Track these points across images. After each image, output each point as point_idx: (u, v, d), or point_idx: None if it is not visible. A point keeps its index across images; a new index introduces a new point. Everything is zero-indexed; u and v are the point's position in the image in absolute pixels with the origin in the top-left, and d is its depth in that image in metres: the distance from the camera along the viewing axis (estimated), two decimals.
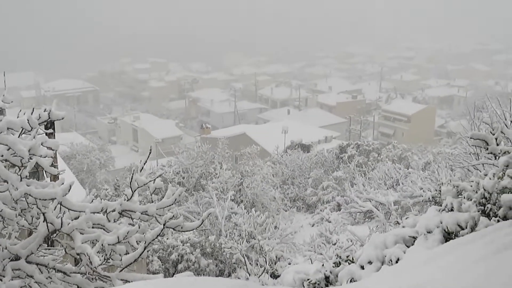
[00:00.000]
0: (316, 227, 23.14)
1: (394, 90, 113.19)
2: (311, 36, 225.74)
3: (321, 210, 27.88)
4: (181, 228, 6.37)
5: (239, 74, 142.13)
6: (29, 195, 5.31)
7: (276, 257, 15.37)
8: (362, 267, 4.82)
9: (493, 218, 4.98)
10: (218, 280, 2.71)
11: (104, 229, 6.15)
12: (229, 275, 16.09)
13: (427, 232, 4.66)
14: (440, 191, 6.09)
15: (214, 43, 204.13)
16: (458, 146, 24.21)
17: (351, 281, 4.75)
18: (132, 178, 6.33)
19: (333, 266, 5.51)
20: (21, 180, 5.33)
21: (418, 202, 17.52)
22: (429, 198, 11.45)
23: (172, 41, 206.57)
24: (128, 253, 6.18)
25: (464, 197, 5.54)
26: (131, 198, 6.28)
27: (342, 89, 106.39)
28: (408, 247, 4.78)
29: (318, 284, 5.27)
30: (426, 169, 25.75)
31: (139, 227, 6.23)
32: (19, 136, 5.85)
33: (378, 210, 19.33)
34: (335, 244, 16.15)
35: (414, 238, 4.86)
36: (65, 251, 6.41)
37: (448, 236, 4.54)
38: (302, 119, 70.77)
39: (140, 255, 6.11)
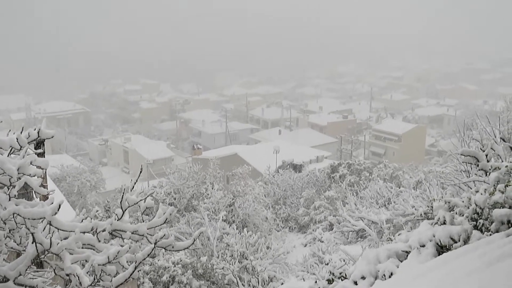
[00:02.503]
0: (309, 247, 23.04)
1: (385, 109, 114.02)
2: (301, 57, 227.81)
3: (313, 230, 27.78)
4: (172, 247, 6.30)
5: (230, 95, 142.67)
6: (18, 214, 5.24)
7: (268, 277, 15.24)
8: (356, 283, 4.77)
9: (485, 233, 4.97)
10: None
11: (94, 249, 6.07)
12: None
13: (420, 246, 4.63)
14: (432, 207, 6.08)
15: (204, 64, 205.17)
16: (448, 164, 24.33)
17: None
18: (122, 198, 6.28)
19: (327, 283, 5.46)
20: (9, 200, 5.26)
21: (410, 220, 17.50)
22: (421, 215, 11.43)
23: (163, 62, 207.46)
24: (119, 274, 6.10)
25: (456, 213, 5.53)
26: (121, 217, 6.22)
27: (333, 109, 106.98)
28: (401, 261, 4.75)
29: None
30: (417, 187, 25.81)
31: (129, 247, 6.16)
32: (8, 155, 5.79)
33: (371, 229, 19.29)
34: (328, 264, 16.04)
35: (407, 252, 4.83)
36: (55, 272, 6.30)
37: (441, 249, 4.51)
38: (293, 139, 70.91)
39: (131, 275, 6.03)
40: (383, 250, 4.89)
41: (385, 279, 4.52)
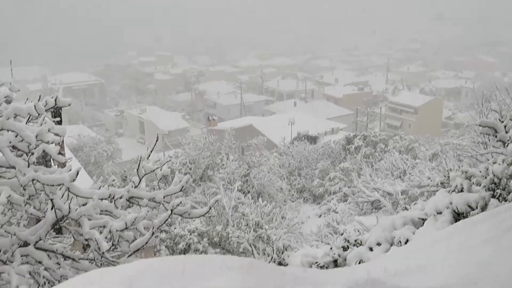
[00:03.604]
0: (323, 218, 23.15)
1: (401, 81, 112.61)
2: (317, 30, 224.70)
3: (328, 201, 27.88)
4: (188, 214, 6.36)
5: (245, 67, 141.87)
6: (37, 181, 5.31)
7: (283, 246, 15.37)
8: (371, 249, 4.79)
9: (502, 202, 4.94)
10: (226, 257, 2.70)
11: (111, 216, 6.16)
12: None
13: (437, 213, 4.62)
14: (449, 177, 6.04)
15: (219, 36, 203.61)
16: (465, 136, 24.09)
17: (359, 262, 4.73)
18: (139, 165, 6.32)
19: (342, 250, 5.49)
20: (28, 166, 5.33)
21: (426, 191, 17.45)
22: (437, 184, 11.33)
23: (177, 34, 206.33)
24: (136, 239, 6.19)
25: (473, 183, 5.49)
26: (138, 185, 6.27)
27: (349, 81, 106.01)
28: (417, 228, 4.75)
29: (326, 267, 5.26)
30: (433, 159, 25.67)
31: (146, 214, 6.24)
32: (26, 123, 5.85)
33: (386, 200, 19.29)
34: (342, 234, 16.10)
35: (423, 220, 4.83)
36: (74, 238, 6.41)
37: (457, 216, 4.50)
38: (309, 111, 70.57)
39: (148, 241, 6.12)
40: (399, 217, 4.90)
41: (401, 245, 4.53)
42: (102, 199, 6.00)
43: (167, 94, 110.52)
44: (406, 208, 8.73)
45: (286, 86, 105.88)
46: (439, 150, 27.58)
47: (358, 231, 16.02)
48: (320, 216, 25.92)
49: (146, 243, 6.11)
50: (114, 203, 6.17)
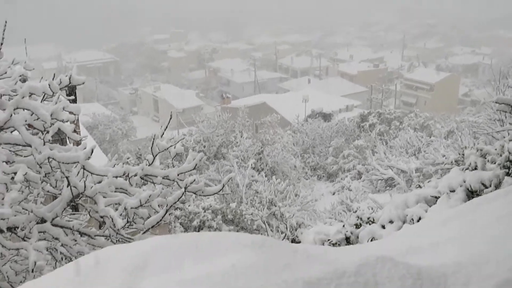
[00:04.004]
0: (337, 195, 23.19)
1: (417, 58, 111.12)
2: (331, 4, 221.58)
3: (341, 179, 27.89)
4: (202, 192, 6.40)
5: (259, 44, 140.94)
6: (53, 159, 5.37)
7: (296, 223, 15.47)
8: (383, 227, 4.81)
9: None
10: (239, 235, 2.73)
11: (126, 193, 6.22)
12: None
13: (450, 191, 4.61)
14: (463, 155, 6.00)
15: (232, 12, 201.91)
16: (482, 113, 23.81)
17: (372, 240, 4.75)
18: (153, 144, 6.36)
19: (355, 228, 5.51)
20: (44, 144, 5.39)
21: (440, 168, 17.36)
22: (451, 162, 11.28)
23: (191, 10, 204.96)
24: (150, 217, 6.27)
25: (488, 161, 5.45)
26: (152, 163, 6.32)
27: (364, 58, 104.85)
28: (430, 206, 4.75)
29: (339, 245, 5.29)
30: (449, 137, 25.44)
31: (160, 192, 6.29)
32: (41, 102, 5.90)
33: (400, 178, 19.23)
34: (355, 211, 16.13)
35: (436, 198, 4.81)
36: (89, 215, 6.51)
37: (471, 194, 4.48)
38: (323, 88, 70.14)
39: (162, 218, 6.19)
40: (412, 195, 4.89)
41: (413, 223, 4.53)
42: (116, 177, 6.06)
43: (181, 72, 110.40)
44: (419, 186, 8.70)
45: (300, 63, 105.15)
46: (454, 127, 27.32)
47: (372, 208, 16.05)
48: (333, 194, 25.97)
49: (161, 220, 6.19)
50: (129, 181, 6.24)
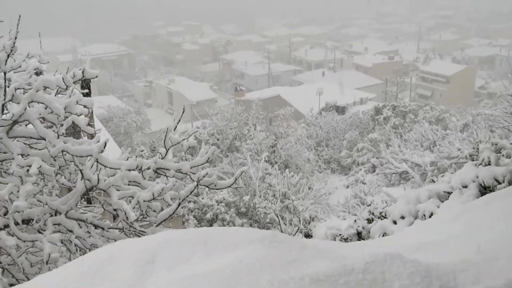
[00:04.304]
0: (351, 189, 23.11)
1: (433, 50, 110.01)
2: None
3: (355, 172, 27.79)
4: (215, 185, 6.42)
5: (272, 36, 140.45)
6: (67, 152, 5.43)
7: (310, 217, 15.47)
8: (395, 222, 4.78)
9: None
10: (248, 230, 2.74)
11: (139, 186, 6.26)
12: None
13: (462, 187, 4.57)
14: (478, 149, 5.94)
15: (246, 4, 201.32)
16: (498, 106, 23.54)
17: (383, 235, 4.73)
18: (166, 137, 6.39)
19: (367, 222, 5.50)
20: (58, 138, 5.44)
21: (455, 163, 17.22)
22: (466, 157, 11.17)
23: (204, 2, 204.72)
24: (163, 210, 6.31)
25: (503, 155, 5.39)
26: (165, 156, 6.35)
27: (378, 50, 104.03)
28: (442, 202, 4.71)
29: (350, 240, 5.28)
30: (464, 130, 25.22)
31: (173, 185, 6.32)
32: (55, 95, 5.95)
33: (414, 171, 19.11)
34: (369, 205, 16.07)
35: (449, 193, 4.78)
36: (103, 208, 6.58)
37: (484, 190, 4.44)
38: (337, 81, 69.77)
39: (175, 211, 6.23)
40: (424, 191, 4.86)
41: (425, 219, 4.51)
42: (130, 170, 6.11)
43: (195, 65, 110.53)
44: (433, 181, 8.64)
45: (315, 55, 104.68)
46: (470, 120, 27.07)
47: (386, 202, 15.99)
48: (347, 187, 25.89)
49: (173, 213, 6.23)
50: (142, 174, 6.27)
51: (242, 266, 2.19)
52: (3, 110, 5.33)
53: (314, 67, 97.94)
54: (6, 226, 5.71)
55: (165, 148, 6.30)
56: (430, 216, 4.50)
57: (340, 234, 5.52)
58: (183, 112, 7.05)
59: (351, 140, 31.86)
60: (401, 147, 22.74)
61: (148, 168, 6.24)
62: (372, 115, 35.72)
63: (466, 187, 4.59)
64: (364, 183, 22.44)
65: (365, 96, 57.35)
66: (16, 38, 5.47)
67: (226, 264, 2.23)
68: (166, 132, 6.35)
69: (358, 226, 5.49)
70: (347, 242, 5.32)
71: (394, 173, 21.34)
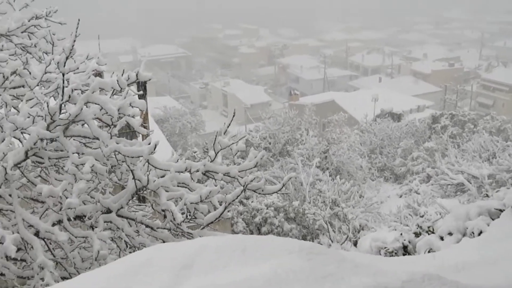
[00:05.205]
0: (404, 198, 22.61)
1: (496, 57, 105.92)
2: (405, 1, 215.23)
3: (409, 181, 27.15)
4: (262, 190, 6.42)
5: (329, 40, 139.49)
6: (119, 152, 5.58)
7: (359, 225, 15.23)
8: (442, 238, 4.62)
9: None
10: (287, 240, 2.72)
11: (188, 188, 6.35)
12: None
13: None
14: None
15: (304, 9, 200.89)
16: None
17: (429, 251, 4.58)
18: (215, 140, 6.45)
19: (414, 236, 5.34)
20: (111, 138, 5.60)
21: None
22: None
23: (262, 6, 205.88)
24: (210, 213, 6.36)
25: None
26: (214, 159, 6.41)
27: (438, 57, 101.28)
28: (493, 219, 4.51)
29: (395, 253, 5.14)
30: None
31: (221, 188, 6.37)
32: (110, 97, 6.13)
33: (470, 183, 18.45)
34: (422, 216, 15.65)
35: (501, 210, 4.57)
36: (152, 208, 6.72)
37: None
38: (394, 87, 68.46)
39: (221, 214, 6.27)
40: (474, 207, 4.66)
41: (473, 236, 4.32)
42: (179, 172, 6.20)
43: (251, 68, 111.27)
44: (487, 195, 8.31)
45: (372, 61, 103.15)
46: None
47: (440, 213, 15.50)
48: (400, 197, 25.34)
49: (219, 216, 6.27)
50: (191, 176, 6.36)
51: (275, 277, 2.18)
52: (60, 110, 5.54)
53: (370, 72, 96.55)
54: (60, 221, 5.93)
55: (214, 151, 6.37)
56: (479, 234, 4.31)
57: (385, 247, 5.39)
58: (234, 115, 7.10)
59: (406, 148, 31.17)
60: (458, 157, 22.01)
61: (197, 171, 6.32)
62: (429, 124, 34.82)
63: None
64: (418, 193, 21.89)
65: (422, 104, 56.01)
66: (75, 40, 5.67)
67: (261, 274, 2.22)
68: (216, 136, 6.42)
69: (404, 240, 5.35)
70: (392, 255, 5.19)
71: (449, 184, 20.67)
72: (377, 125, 35.46)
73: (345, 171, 25.50)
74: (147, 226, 6.60)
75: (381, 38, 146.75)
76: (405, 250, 5.26)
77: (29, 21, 7.14)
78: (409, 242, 5.31)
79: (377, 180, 28.87)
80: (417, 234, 5.42)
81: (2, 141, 5.66)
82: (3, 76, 5.88)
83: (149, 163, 5.97)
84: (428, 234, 5.16)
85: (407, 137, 33.28)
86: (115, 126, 5.79)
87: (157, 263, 2.46)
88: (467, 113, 36.46)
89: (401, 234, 5.53)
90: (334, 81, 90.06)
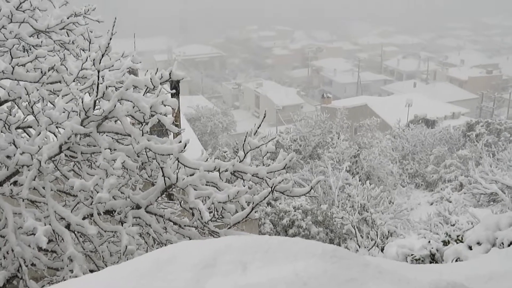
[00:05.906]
0: (435, 206, 22.24)
1: None
2: (443, 5, 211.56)
3: (441, 189, 26.69)
4: (290, 192, 6.42)
5: (364, 44, 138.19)
6: (149, 149, 5.67)
7: (388, 232, 15.05)
8: (470, 248, 4.53)
9: None
10: (310, 242, 2.72)
11: (216, 187, 6.40)
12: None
13: None
14: None
15: (340, 12, 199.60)
16: None
17: (456, 260, 4.50)
18: (245, 141, 6.48)
19: (442, 244, 5.25)
20: (142, 135, 5.70)
21: None
22: None
23: (298, 9, 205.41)
24: (237, 213, 6.39)
25: None
26: (243, 160, 6.44)
27: (476, 63, 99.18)
28: None
29: (422, 261, 5.07)
30: None
31: (249, 188, 6.39)
32: (143, 94, 6.23)
33: (504, 193, 18.02)
34: (453, 225, 15.37)
35: None
36: (180, 205, 6.79)
37: None
38: (429, 93, 67.32)
39: (248, 215, 6.29)
40: (506, 217, 4.55)
41: (503, 247, 4.22)
42: (208, 171, 6.25)
43: (284, 70, 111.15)
44: None
45: (407, 66, 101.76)
46: None
47: (471, 223, 15.19)
48: (431, 204, 24.93)
49: (246, 217, 6.30)
50: (219, 175, 6.40)
51: (297, 281, 2.18)
52: (94, 106, 5.66)
53: (405, 77, 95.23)
54: (91, 215, 6.05)
55: (244, 152, 6.39)
56: (509, 245, 4.21)
57: (411, 254, 5.31)
58: (264, 116, 7.11)
59: (438, 155, 30.63)
60: (492, 166, 21.52)
61: (226, 170, 6.36)
62: (464, 131, 34.16)
63: None
64: (450, 201, 21.49)
65: (457, 111, 54.92)
66: (111, 38, 5.78)
67: (282, 276, 2.23)
68: (246, 136, 6.44)
69: (432, 248, 5.26)
70: (418, 263, 5.12)
71: (482, 193, 20.22)
72: (410, 130, 34.95)
73: (375, 176, 25.23)
74: (174, 223, 6.67)
75: (417, 43, 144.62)
76: (433, 258, 5.18)
77: (68, 18, 7.33)
78: (437, 250, 5.23)
79: (408, 187, 28.47)
80: (445, 243, 5.32)
81: (38, 135, 5.82)
82: (41, 72, 6.04)
83: (179, 161, 6.04)
84: (457, 243, 5.07)
85: (440, 144, 32.70)
86: (147, 123, 5.88)
87: (180, 260, 2.48)
88: (504, 121, 35.62)
89: (429, 242, 5.44)
90: (368, 85, 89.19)
